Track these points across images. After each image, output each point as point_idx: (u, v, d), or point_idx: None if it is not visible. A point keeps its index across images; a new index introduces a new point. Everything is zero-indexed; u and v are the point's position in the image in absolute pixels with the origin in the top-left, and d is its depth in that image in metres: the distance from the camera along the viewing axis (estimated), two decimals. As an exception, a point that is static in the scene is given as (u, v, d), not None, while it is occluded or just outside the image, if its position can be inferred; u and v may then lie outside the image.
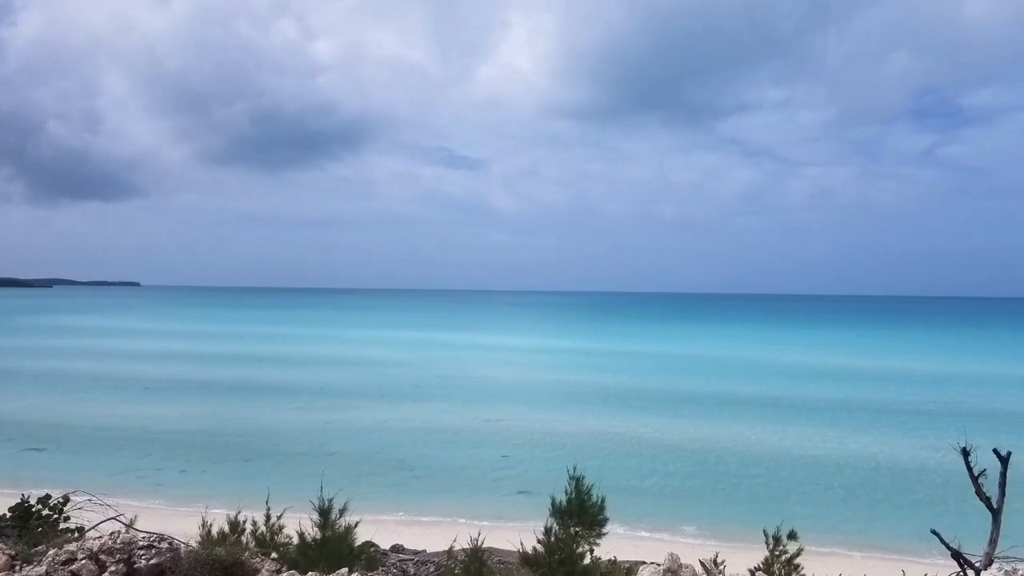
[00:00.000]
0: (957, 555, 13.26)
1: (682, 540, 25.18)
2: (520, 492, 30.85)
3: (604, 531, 12.71)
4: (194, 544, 10.65)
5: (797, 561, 12.52)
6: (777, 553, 12.42)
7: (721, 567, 12.34)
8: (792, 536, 12.46)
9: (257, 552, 11.26)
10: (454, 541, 14.26)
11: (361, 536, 12.50)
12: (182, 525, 14.31)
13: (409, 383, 64.33)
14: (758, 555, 13.83)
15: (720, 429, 45.09)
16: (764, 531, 12.58)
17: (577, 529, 12.70)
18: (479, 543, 11.98)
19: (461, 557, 11.93)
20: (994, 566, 11.67)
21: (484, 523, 22.68)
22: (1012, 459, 13.22)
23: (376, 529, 20.49)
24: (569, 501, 12.65)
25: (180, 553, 9.78)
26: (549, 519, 12.39)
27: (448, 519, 26.82)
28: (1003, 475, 13.17)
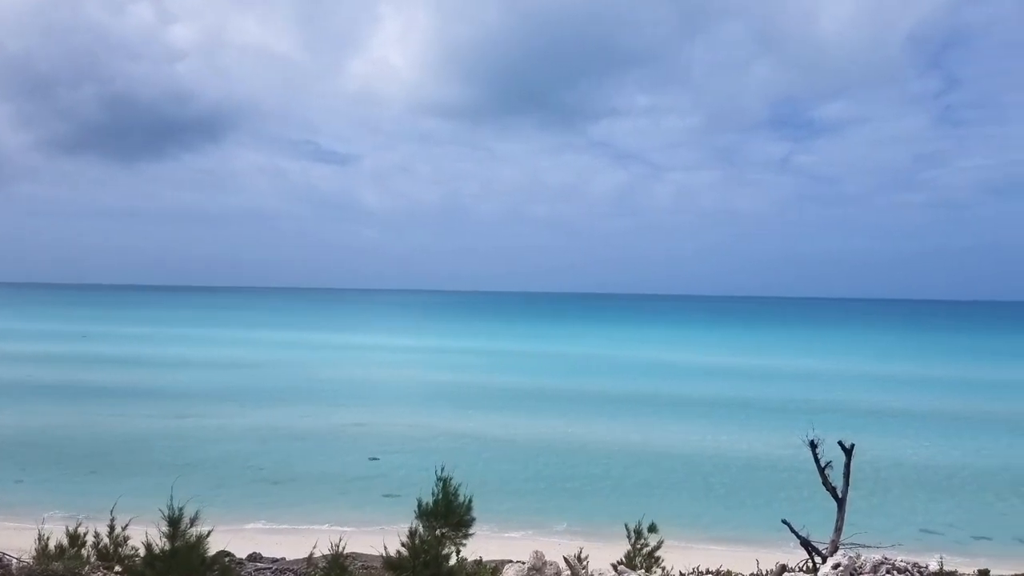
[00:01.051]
0: (806, 543, 13.98)
1: (550, 538, 25.42)
2: (387, 495, 30.35)
3: (471, 531, 12.64)
4: (28, 559, 9.85)
5: (658, 554, 12.82)
6: (639, 547, 12.68)
7: (585, 562, 12.46)
8: (653, 529, 12.75)
9: (99, 566, 10.53)
10: (314, 547, 13.79)
11: (215, 545, 11.86)
12: (15, 540, 13.18)
13: (274, 385, 62.28)
14: (624, 549, 14.10)
15: (591, 427, 46.07)
16: (626, 525, 12.83)
17: (443, 530, 12.57)
18: (340, 548, 11.63)
19: (321, 564, 11.53)
20: (839, 552, 12.35)
21: (348, 528, 22.19)
22: (855, 451, 14.09)
23: (232, 538, 19.60)
24: (436, 502, 12.50)
25: (11, 569, 9.02)
26: (415, 521, 12.21)
27: (311, 526, 25.99)
28: (847, 466, 14.00)
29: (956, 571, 14.62)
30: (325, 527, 24.65)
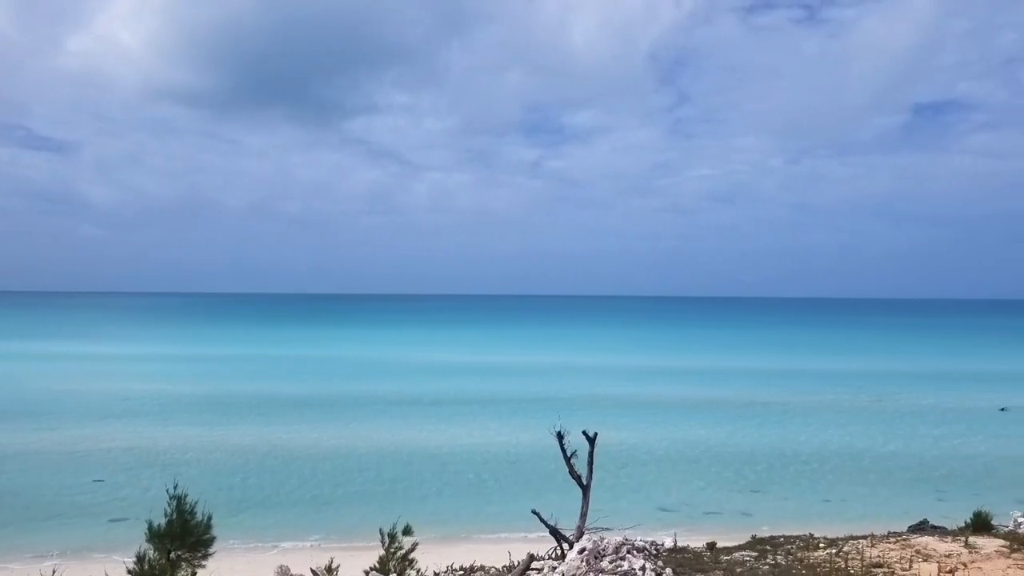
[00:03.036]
0: (554, 531, 14.41)
1: (303, 551, 24.31)
2: (114, 520, 27.43)
3: (211, 551, 11.88)
4: None
5: (413, 556, 12.60)
6: (393, 550, 12.38)
7: (335, 572, 11.91)
8: (407, 532, 12.51)
9: None
10: (21, 586, 12.07)
11: None
12: None
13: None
14: (379, 555, 13.69)
15: (343, 432, 44.91)
16: (380, 530, 12.48)
17: (178, 553, 11.59)
18: (51, 585, 10.23)
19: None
20: (584, 537, 12.81)
21: (68, 561, 19.82)
22: (599, 439, 14.76)
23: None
24: (169, 523, 11.55)
25: None
26: (144, 545, 11.28)
27: (19, 563, 22.76)
28: (591, 454, 14.63)
29: (688, 545, 15.81)
30: (44, 563, 21.73)
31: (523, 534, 24.34)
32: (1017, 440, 44.86)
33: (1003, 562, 13.27)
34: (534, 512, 14.02)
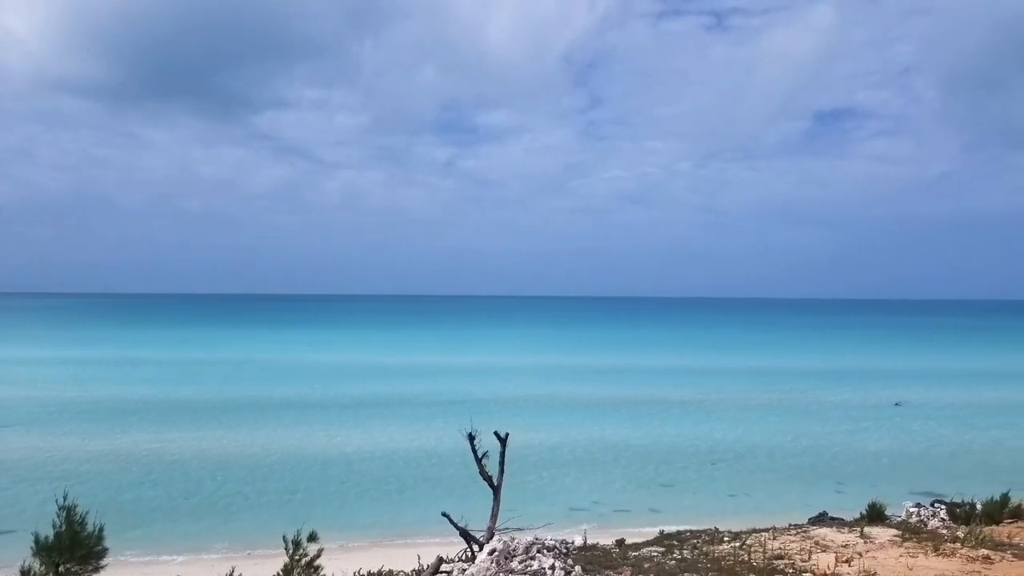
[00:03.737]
0: (464, 533, 14.30)
1: (205, 562, 23.52)
2: (-4, 534, 25.95)
3: (103, 563, 11.45)
4: None
5: (318, 563, 12.32)
6: (297, 557, 12.06)
7: (237, 582, 11.51)
8: (312, 538, 12.20)
9: None
10: None
11: None
12: None
13: None
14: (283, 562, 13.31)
15: (248, 437, 43.64)
16: (284, 537, 12.14)
17: (68, 566, 11.09)
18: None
19: None
20: (495, 538, 12.73)
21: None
22: (510, 440, 14.73)
23: None
24: (57, 535, 11.01)
25: None
26: (29, 560, 10.73)
27: None
28: (502, 455, 14.58)
29: (598, 543, 15.94)
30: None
31: (437, 538, 24.10)
32: (910, 434, 47.17)
33: (896, 551, 13.82)
34: (444, 514, 13.90)
